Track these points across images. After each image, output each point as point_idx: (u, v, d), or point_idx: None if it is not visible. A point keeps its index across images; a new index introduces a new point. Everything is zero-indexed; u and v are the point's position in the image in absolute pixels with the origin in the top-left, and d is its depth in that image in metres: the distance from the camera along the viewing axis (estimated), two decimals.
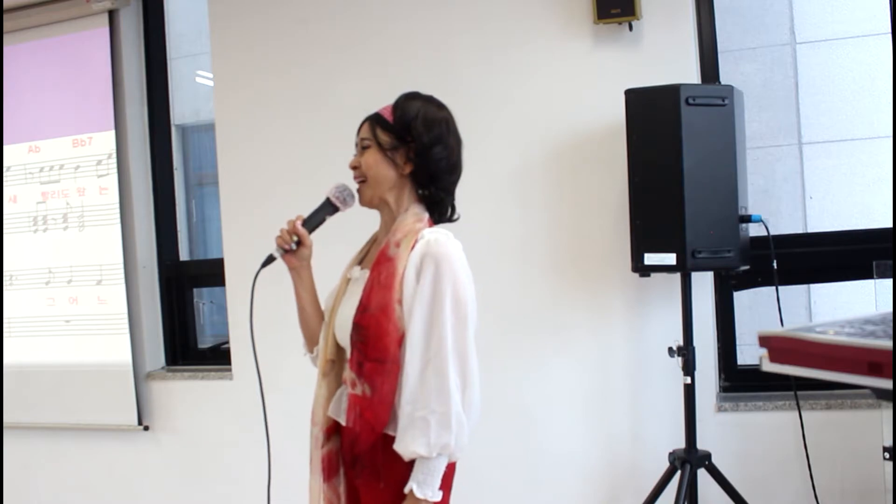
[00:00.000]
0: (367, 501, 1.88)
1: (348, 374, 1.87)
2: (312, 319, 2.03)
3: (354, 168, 1.92)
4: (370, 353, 1.81)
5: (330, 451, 1.92)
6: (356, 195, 1.95)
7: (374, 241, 2.02)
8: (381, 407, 1.79)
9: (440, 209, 1.95)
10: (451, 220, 1.99)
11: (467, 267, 1.84)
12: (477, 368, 1.80)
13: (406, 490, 1.77)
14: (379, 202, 1.92)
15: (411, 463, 1.79)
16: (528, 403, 3.30)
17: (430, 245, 1.81)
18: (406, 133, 1.87)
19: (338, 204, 1.95)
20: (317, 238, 1.97)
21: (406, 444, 1.75)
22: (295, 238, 1.93)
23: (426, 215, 1.91)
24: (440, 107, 1.95)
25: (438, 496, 1.76)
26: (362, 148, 1.91)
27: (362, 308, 1.82)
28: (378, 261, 1.85)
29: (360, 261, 2.00)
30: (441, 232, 1.86)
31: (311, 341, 2.07)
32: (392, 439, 1.81)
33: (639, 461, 3.16)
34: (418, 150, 1.87)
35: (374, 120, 1.91)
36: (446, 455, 1.76)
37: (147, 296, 3.98)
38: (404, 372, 1.78)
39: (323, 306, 2.04)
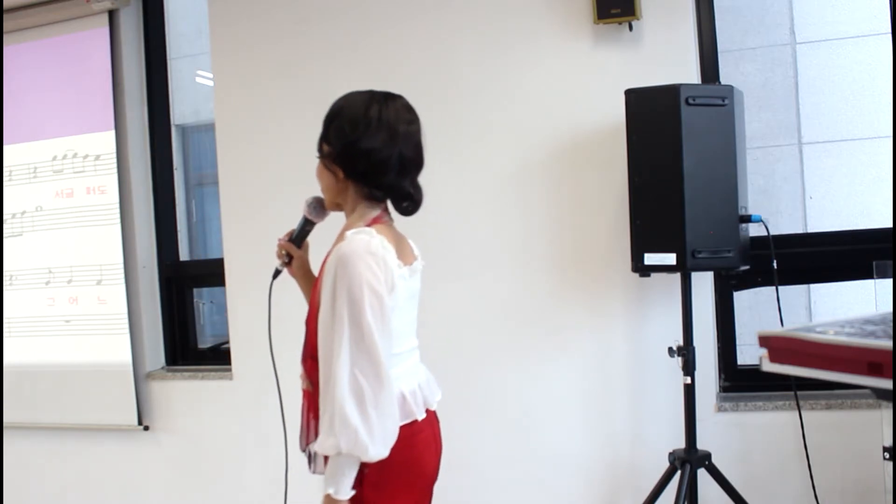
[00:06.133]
0: None
1: (300, 368, 1.96)
2: None
3: None
4: (308, 349, 1.89)
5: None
6: None
7: None
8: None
9: (397, 204, 1.93)
10: (409, 212, 1.94)
11: (378, 266, 1.76)
12: (386, 369, 1.74)
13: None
14: (336, 207, 1.98)
15: (373, 473, 1.78)
16: (528, 403, 3.31)
17: (340, 246, 1.79)
18: (329, 139, 1.89)
19: (312, 218, 2.07)
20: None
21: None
22: (285, 252, 2.10)
23: (373, 213, 1.90)
24: (367, 100, 1.88)
25: (345, 495, 1.74)
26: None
27: (309, 306, 1.92)
28: (322, 263, 1.89)
29: None
30: (363, 231, 1.81)
31: None
32: None
33: (639, 461, 3.16)
34: (337, 156, 1.87)
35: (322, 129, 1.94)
36: (346, 456, 1.72)
37: (147, 296, 3.98)
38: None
39: None
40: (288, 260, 2.10)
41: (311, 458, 1.91)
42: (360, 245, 1.77)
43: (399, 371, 1.86)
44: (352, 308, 1.72)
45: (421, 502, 1.94)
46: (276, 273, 2.13)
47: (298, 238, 2.09)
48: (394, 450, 1.76)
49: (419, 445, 1.89)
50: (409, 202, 1.93)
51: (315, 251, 2.11)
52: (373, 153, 1.84)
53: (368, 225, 1.85)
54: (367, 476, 1.78)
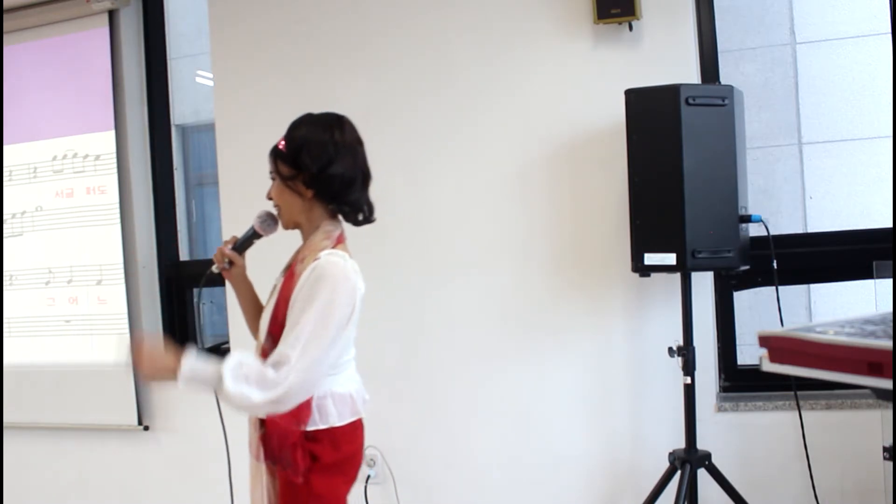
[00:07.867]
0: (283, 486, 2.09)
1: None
2: (255, 323, 2.28)
3: (270, 199, 2.15)
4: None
5: (263, 434, 2.14)
6: (279, 220, 2.18)
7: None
8: (298, 407, 1.99)
9: (354, 216, 2.11)
10: (368, 221, 2.14)
11: (352, 289, 1.99)
12: (317, 371, 1.95)
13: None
14: (294, 225, 2.13)
15: (328, 460, 2.03)
16: (528, 403, 3.31)
17: (320, 264, 1.98)
18: (298, 163, 2.05)
19: (261, 231, 2.20)
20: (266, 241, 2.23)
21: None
22: (227, 259, 2.22)
23: (336, 231, 2.09)
24: (326, 127, 2.09)
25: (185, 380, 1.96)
26: (271, 179, 2.12)
27: (274, 319, 2.05)
28: (287, 276, 2.08)
29: (286, 269, 2.18)
30: (337, 254, 2.02)
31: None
32: (312, 434, 2.03)
33: (639, 461, 3.16)
34: (312, 178, 2.04)
35: (274, 153, 2.11)
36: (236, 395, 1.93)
37: (147, 296, 3.97)
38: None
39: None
40: (228, 266, 2.22)
41: (284, 463, 2.07)
42: (340, 268, 1.98)
43: (349, 373, 2.12)
44: (325, 313, 1.93)
45: (351, 485, 2.17)
46: (209, 276, 2.24)
47: (242, 247, 2.22)
48: (342, 445, 2.05)
49: (358, 440, 2.16)
50: (366, 214, 2.13)
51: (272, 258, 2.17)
52: (345, 174, 2.04)
53: (336, 244, 2.05)
54: (317, 466, 2.02)
